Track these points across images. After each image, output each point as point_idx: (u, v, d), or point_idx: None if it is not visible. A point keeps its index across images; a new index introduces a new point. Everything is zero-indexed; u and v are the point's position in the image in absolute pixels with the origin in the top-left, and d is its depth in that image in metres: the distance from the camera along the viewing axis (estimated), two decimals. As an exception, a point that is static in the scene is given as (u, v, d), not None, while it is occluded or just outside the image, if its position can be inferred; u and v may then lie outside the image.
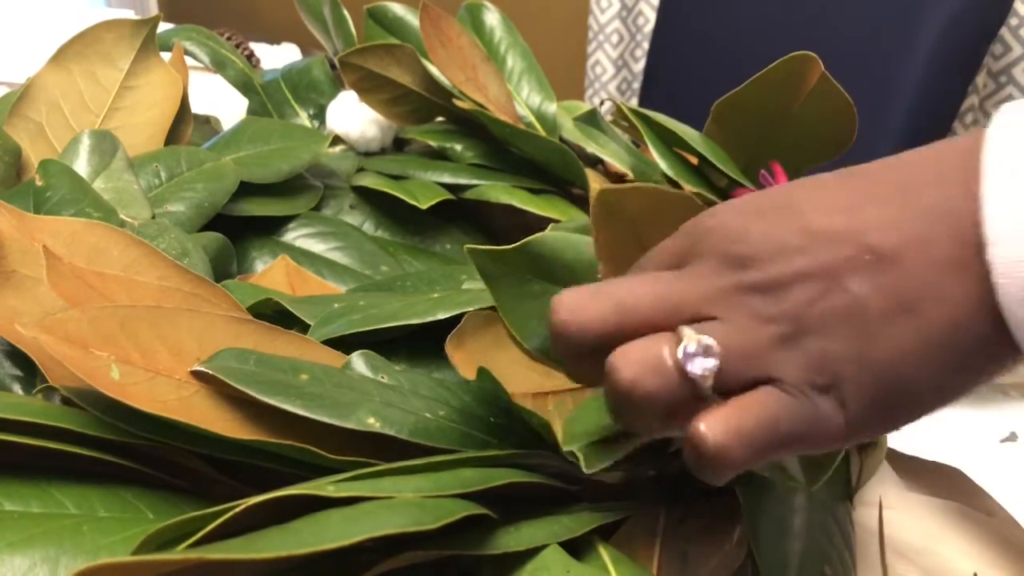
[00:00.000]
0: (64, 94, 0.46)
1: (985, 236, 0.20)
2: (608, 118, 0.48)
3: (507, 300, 0.32)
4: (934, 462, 0.31)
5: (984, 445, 0.32)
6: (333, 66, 0.61)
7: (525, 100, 0.57)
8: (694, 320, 0.23)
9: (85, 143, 0.42)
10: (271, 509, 0.22)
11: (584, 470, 0.27)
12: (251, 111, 0.59)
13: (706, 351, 0.22)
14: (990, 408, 0.34)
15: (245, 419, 0.27)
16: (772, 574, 0.26)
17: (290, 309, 0.35)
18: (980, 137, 0.21)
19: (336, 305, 0.35)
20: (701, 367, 0.22)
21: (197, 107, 0.55)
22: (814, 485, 0.25)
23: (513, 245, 0.31)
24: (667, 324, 0.23)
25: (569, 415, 0.30)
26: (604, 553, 0.26)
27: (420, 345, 0.35)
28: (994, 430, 0.32)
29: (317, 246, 0.46)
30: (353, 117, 0.56)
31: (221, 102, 0.67)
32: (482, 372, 0.27)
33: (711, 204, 0.43)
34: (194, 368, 0.27)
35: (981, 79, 1.16)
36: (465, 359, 0.31)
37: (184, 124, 0.49)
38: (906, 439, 0.33)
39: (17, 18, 0.99)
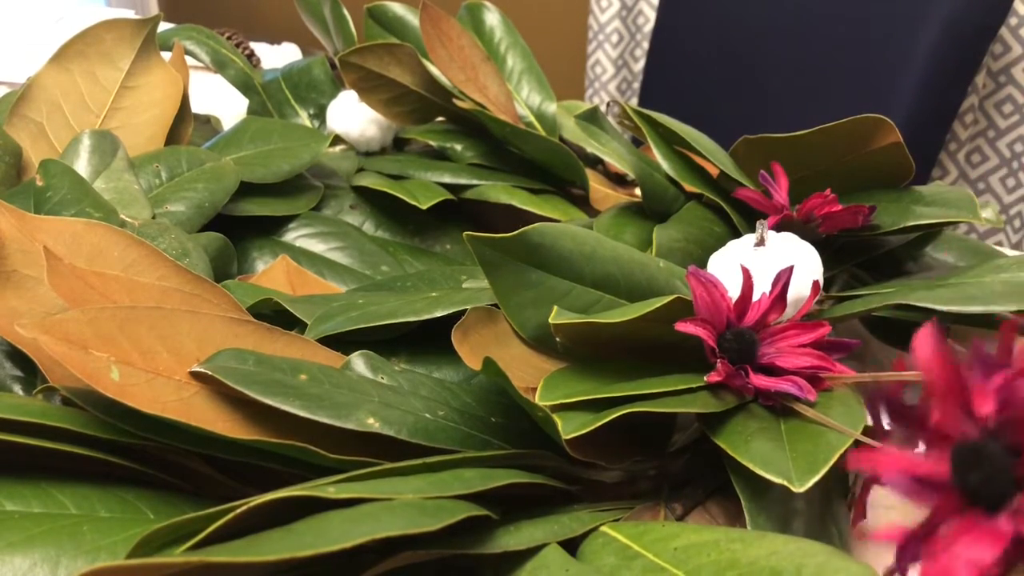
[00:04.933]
0: (64, 94, 0.46)
1: None
2: (613, 121, 0.48)
3: (505, 289, 0.32)
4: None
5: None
6: (333, 66, 0.61)
7: (525, 100, 0.57)
8: None
9: (85, 143, 0.42)
10: (271, 510, 0.22)
11: (562, 436, 0.27)
12: (251, 111, 0.59)
13: None
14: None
15: (245, 419, 0.27)
16: (772, 574, 0.26)
17: (290, 309, 0.35)
18: None
19: (335, 304, 0.35)
20: None
21: (197, 107, 0.55)
22: (803, 487, 0.25)
23: (512, 233, 0.31)
24: None
25: (548, 376, 0.30)
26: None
27: (420, 345, 0.35)
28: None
29: (317, 246, 0.46)
30: (353, 117, 0.56)
31: (221, 102, 0.67)
32: (488, 363, 0.27)
33: (713, 205, 0.43)
34: (193, 369, 0.27)
35: (981, 79, 1.16)
36: (470, 350, 0.31)
37: (184, 124, 0.49)
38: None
39: (17, 18, 0.99)
